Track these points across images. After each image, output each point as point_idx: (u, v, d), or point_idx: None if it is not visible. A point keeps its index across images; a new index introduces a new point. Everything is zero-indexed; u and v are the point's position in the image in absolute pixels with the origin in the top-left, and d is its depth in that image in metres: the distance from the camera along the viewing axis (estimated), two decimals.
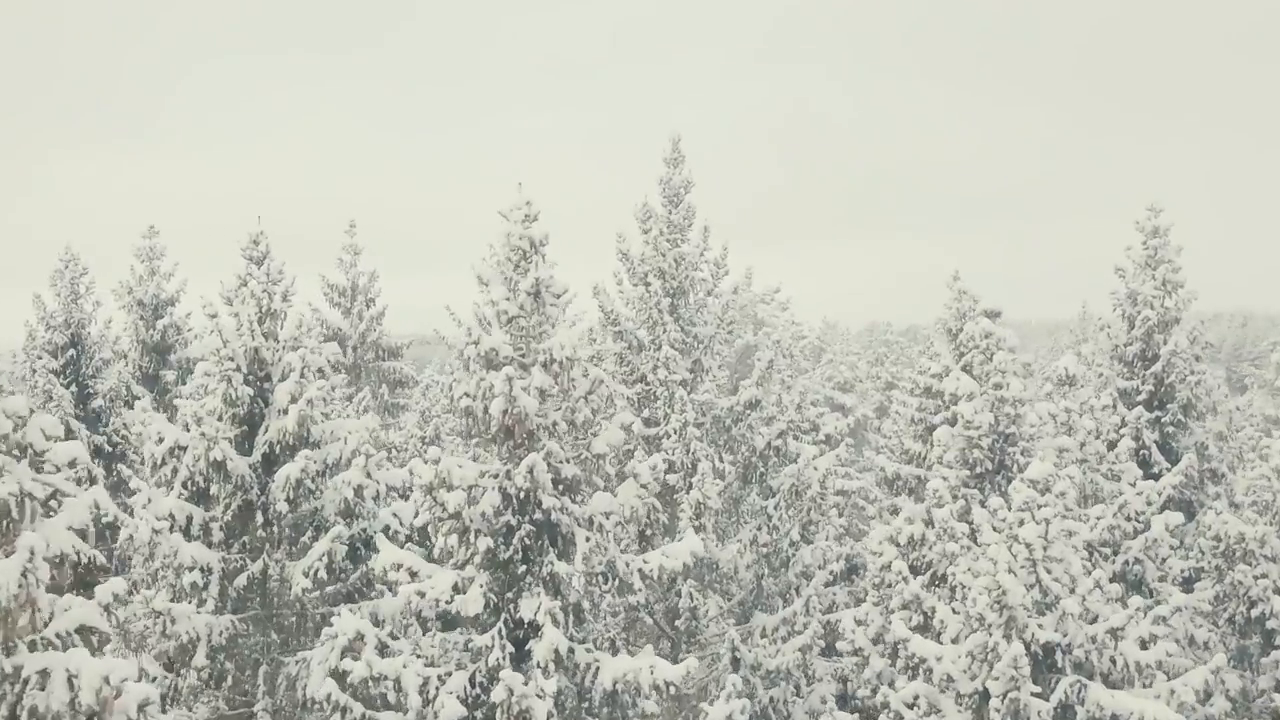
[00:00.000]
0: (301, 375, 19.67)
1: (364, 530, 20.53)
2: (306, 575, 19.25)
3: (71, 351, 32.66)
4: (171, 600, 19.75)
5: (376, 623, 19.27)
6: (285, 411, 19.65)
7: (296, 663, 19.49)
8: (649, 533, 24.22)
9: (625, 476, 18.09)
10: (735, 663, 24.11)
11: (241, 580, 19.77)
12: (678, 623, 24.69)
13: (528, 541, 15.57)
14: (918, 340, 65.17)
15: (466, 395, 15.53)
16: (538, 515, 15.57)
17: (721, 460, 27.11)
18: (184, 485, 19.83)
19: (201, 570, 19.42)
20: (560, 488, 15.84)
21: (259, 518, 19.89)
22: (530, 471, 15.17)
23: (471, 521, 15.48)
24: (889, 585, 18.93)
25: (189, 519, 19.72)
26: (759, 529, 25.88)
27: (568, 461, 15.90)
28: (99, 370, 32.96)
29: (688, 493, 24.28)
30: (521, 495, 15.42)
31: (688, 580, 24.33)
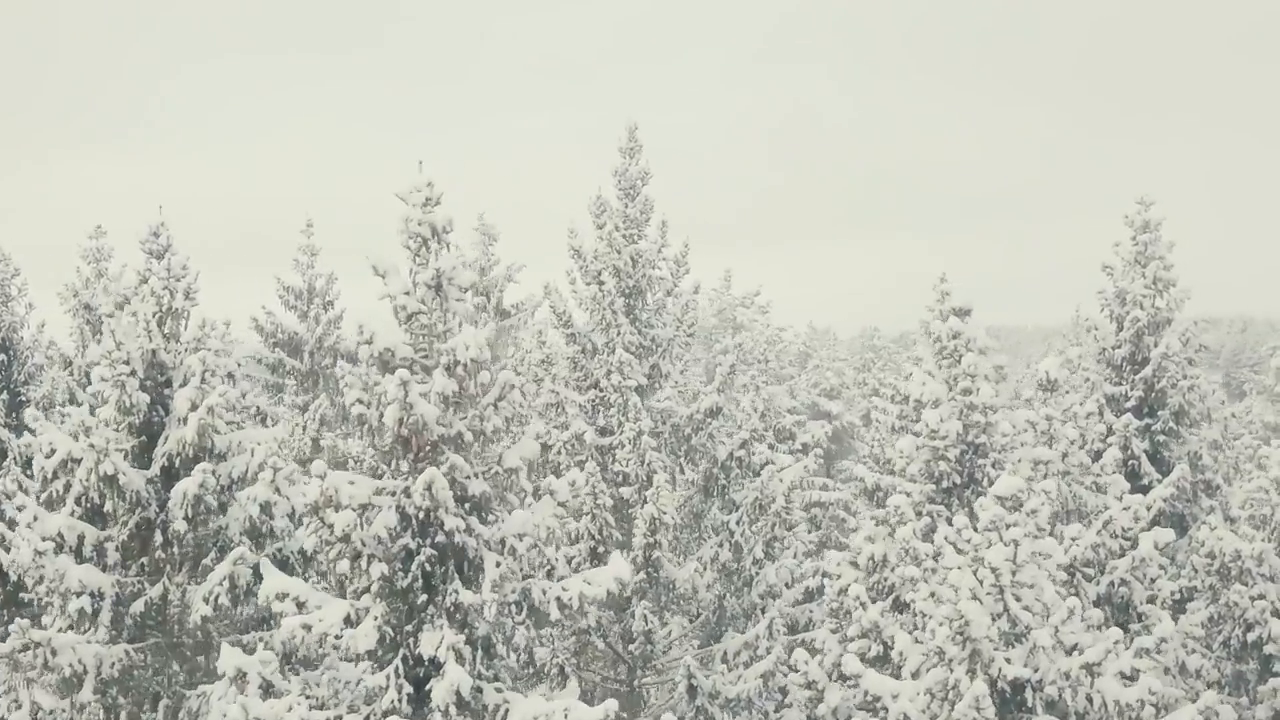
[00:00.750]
0: (203, 380, 17.92)
1: (279, 550, 18.81)
2: (206, 601, 17.52)
3: (1, 356, 30.93)
4: (68, 628, 18.06)
5: (288, 654, 17.56)
6: (185, 420, 17.92)
7: (198, 697, 17.75)
8: (602, 550, 22.51)
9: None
10: (692, 690, 22.33)
11: (139, 606, 18.02)
12: (631, 647, 22.93)
13: (429, 567, 13.80)
14: (909, 346, 63.42)
15: (359, 401, 13.77)
16: (440, 538, 13.79)
17: (683, 471, 25.41)
18: (77, 502, 18.10)
19: (92, 595, 17.66)
20: (467, 506, 14.06)
21: (158, 537, 18.14)
22: (429, 488, 13.40)
23: (364, 545, 13.70)
24: (848, 611, 17.15)
25: (80, 539, 17.97)
26: (720, 546, 24.16)
27: (476, 476, 14.11)
28: (32, 376, 31.21)
29: (642, 507, 22.55)
30: (421, 515, 13.65)
31: (641, 602, 22.62)
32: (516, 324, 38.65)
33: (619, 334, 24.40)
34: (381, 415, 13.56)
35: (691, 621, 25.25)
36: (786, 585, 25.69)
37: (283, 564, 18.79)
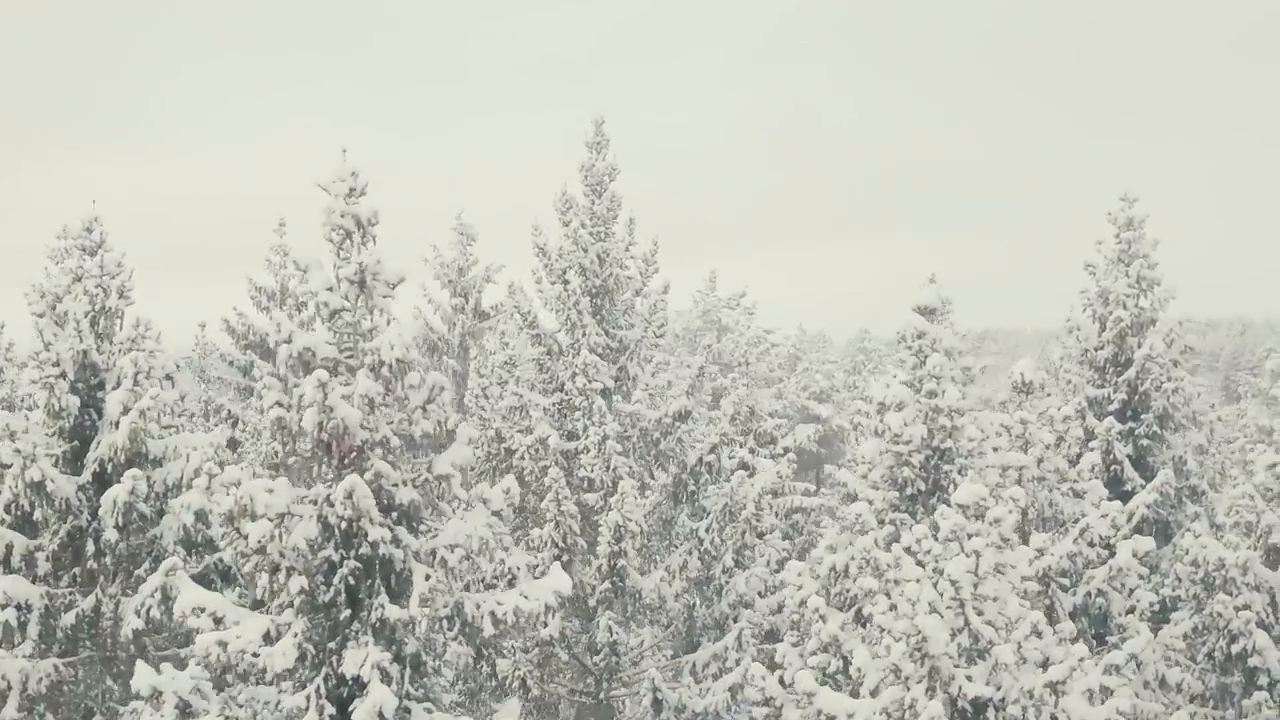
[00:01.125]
0: (136, 382, 17.15)
1: (219, 561, 18.06)
2: (138, 613, 16.76)
3: None
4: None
5: (224, 670, 16.77)
6: (117, 424, 17.15)
7: (131, 714, 16.97)
8: (567, 559, 21.72)
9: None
10: (657, 704, 21.55)
11: (70, 618, 17.27)
12: (596, 658, 22.15)
13: (353, 581, 13.01)
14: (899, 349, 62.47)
15: (279, 405, 12.99)
16: (364, 549, 13.01)
17: (652, 477, 24.61)
18: (6, 509, 17.33)
19: (18, 607, 16.90)
20: (394, 516, 13.27)
21: (90, 547, 17.38)
22: (350, 496, 12.62)
23: (283, 557, 12.91)
24: (809, 624, 16.36)
25: (8, 548, 17.21)
26: (690, 554, 23.38)
27: (404, 484, 13.33)
28: None
29: (607, 514, 21.77)
30: (344, 525, 12.87)
31: (607, 612, 21.85)
32: (495, 325, 37.89)
33: (585, 335, 23.63)
34: (301, 419, 12.77)
35: (664, 630, 24.49)
36: (759, 594, 24.92)
37: (224, 575, 18.06)
